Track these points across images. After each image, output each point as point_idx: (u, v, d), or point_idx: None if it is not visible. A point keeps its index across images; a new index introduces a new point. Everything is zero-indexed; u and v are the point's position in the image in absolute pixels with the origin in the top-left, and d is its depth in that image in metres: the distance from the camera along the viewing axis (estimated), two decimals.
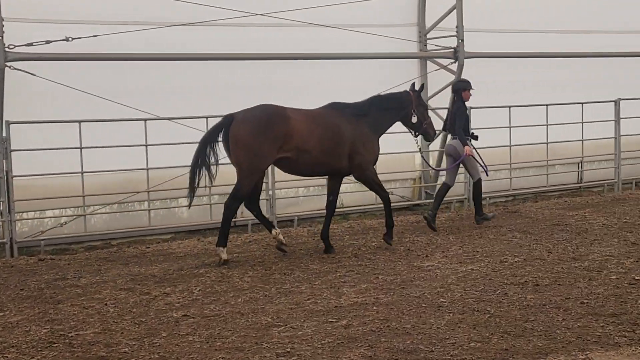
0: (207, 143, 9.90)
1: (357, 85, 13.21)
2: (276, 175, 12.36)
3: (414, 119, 10.98)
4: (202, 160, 9.85)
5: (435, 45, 14.28)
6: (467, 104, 12.26)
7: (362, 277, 9.06)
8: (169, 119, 12.05)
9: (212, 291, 8.55)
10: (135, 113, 11.79)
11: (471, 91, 12.15)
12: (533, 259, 9.66)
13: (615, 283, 8.36)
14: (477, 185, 12.22)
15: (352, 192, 13.39)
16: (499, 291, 8.17)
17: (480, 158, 12.12)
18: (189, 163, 9.93)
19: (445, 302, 7.84)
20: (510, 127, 14.47)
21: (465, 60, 13.92)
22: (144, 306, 8.00)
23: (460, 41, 13.88)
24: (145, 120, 11.68)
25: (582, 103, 15.19)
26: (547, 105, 14.78)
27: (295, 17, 12.81)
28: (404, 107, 10.94)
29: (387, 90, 11.80)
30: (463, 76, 13.43)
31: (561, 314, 7.31)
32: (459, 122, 11.89)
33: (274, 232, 10.51)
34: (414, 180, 14.81)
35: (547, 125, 14.85)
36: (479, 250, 10.32)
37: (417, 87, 11.17)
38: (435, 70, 14.45)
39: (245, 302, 8.04)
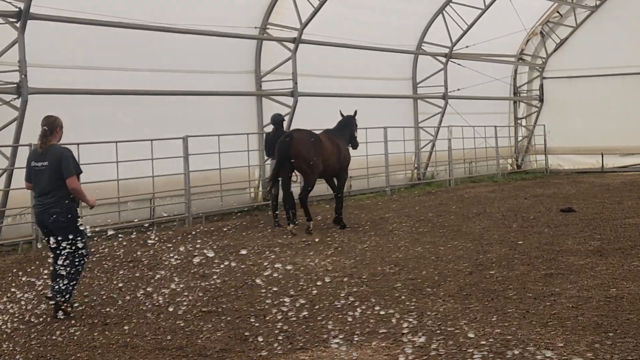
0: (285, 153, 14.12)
1: None
2: None
3: (355, 134, 16.05)
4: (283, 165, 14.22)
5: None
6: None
7: None
8: None
9: None
10: None
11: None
12: (104, 298, 9.46)
13: (183, 316, 8.49)
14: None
15: None
16: (65, 334, 7.83)
17: None
18: None
19: (5, 350, 7.30)
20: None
21: (30, 96, 13.37)
22: None
23: (23, 76, 13.29)
24: None
25: (152, 140, 15.42)
26: (116, 142, 14.75)
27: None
28: (351, 126, 15.88)
29: None
30: (28, 112, 13.05)
31: (128, 352, 7.20)
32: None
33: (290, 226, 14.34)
34: None
35: (117, 163, 14.80)
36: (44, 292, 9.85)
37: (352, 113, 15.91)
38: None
39: None
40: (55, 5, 13.69)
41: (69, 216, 8.61)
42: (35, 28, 13.53)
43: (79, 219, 8.72)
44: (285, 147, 14.12)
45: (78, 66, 14.93)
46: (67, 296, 8.57)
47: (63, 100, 14.57)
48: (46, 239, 8.87)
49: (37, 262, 12.05)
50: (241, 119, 18.53)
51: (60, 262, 8.47)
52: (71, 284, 8.60)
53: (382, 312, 8.33)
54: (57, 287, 8.47)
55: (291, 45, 18.74)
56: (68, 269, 8.52)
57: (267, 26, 18.63)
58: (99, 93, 15.17)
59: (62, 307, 8.47)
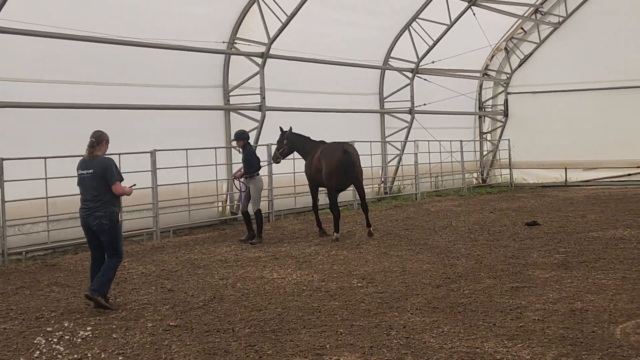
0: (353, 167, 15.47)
1: None
2: None
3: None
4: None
5: None
6: None
7: None
8: None
9: None
10: None
11: None
12: (70, 313, 9.41)
13: (151, 331, 8.48)
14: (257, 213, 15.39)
15: None
16: (32, 349, 7.79)
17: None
18: None
19: None
20: (46, 179, 14.05)
21: None
22: None
23: None
24: None
25: (120, 154, 15.32)
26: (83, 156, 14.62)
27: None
28: None
29: None
30: None
31: None
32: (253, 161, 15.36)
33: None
34: None
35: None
36: (13, 307, 9.80)
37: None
38: None
39: None
40: (17, 18, 13.54)
41: (111, 220, 9.62)
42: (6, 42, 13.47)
43: (118, 223, 9.81)
44: (352, 162, 15.32)
45: (44, 80, 14.81)
46: (104, 292, 9.53)
47: (28, 114, 14.50)
48: (88, 240, 9.88)
49: (2, 277, 11.97)
50: (209, 133, 18.51)
51: (99, 262, 9.74)
52: (107, 282, 9.59)
53: (350, 326, 8.39)
54: (95, 285, 9.47)
55: (259, 60, 18.79)
56: (106, 268, 9.61)
57: (236, 41, 18.67)
58: (66, 107, 15.04)
59: (100, 302, 9.41)
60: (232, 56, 18.89)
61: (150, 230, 16.14)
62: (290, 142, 16.57)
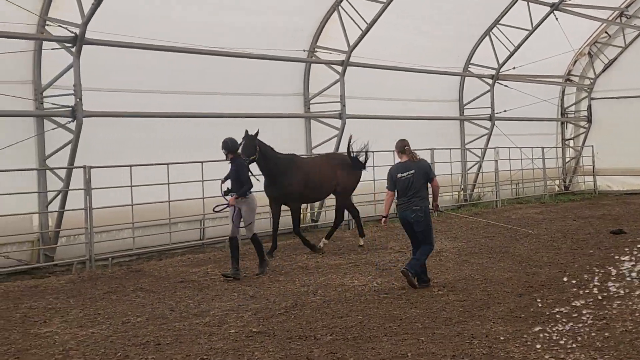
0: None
1: None
2: None
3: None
4: None
5: (53, 103, 13.83)
6: None
7: None
8: None
9: None
10: None
11: None
12: (155, 318, 9.62)
13: (234, 337, 8.60)
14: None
15: None
16: (120, 353, 8.00)
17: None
18: None
19: None
20: (131, 186, 14.42)
21: (85, 118, 13.67)
22: None
23: (78, 100, 13.60)
24: None
25: (202, 162, 15.60)
26: (167, 164, 14.98)
27: None
28: None
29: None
30: (82, 135, 13.39)
31: None
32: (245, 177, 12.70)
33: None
34: (32, 243, 14.10)
35: (168, 184, 15.03)
36: (100, 312, 10.06)
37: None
38: (53, 129, 13.98)
39: None
40: (109, 30, 13.97)
41: (426, 212, 11.17)
42: (90, 53, 13.85)
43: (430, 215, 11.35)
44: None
45: (131, 89, 15.18)
46: (413, 271, 11.01)
47: (117, 123, 14.90)
48: (407, 230, 11.46)
49: (90, 282, 12.32)
50: (290, 141, 18.66)
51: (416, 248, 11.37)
52: (419, 264, 11.14)
53: (432, 334, 8.36)
54: (410, 266, 11.08)
55: (339, 68, 18.89)
56: (419, 253, 11.22)
57: (316, 49, 18.82)
58: (151, 116, 15.39)
59: (412, 281, 10.99)
60: (312, 65, 19.03)
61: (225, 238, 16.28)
62: (262, 152, 14.16)
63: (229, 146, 12.69)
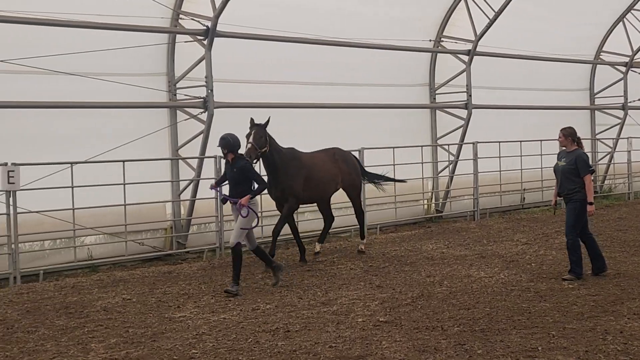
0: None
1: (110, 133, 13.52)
2: (20, 228, 11.86)
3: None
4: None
5: (185, 95, 14.26)
6: None
7: (111, 331, 8.75)
8: None
9: None
10: None
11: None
12: (284, 306, 9.81)
13: (362, 326, 8.67)
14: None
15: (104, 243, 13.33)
16: (250, 339, 8.20)
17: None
18: None
19: (197, 353, 7.74)
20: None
21: (215, 109, 14.05)
22: None
23: (209, 91, 13.98)
24: None
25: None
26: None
27: (38, 64, 12.27)
28: None
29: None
30: (213, 125, 13.74)
31: (311, 358, 7.46)
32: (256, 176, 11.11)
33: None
34: (165, 230, 14.60)
35: None
36: (231, 298, 10.32)
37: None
38: (185, 119, 14.42)
39: None
40: (239, 23, 14.27)
41: (582, 204, 11.02)
42: (221, 45, 14.22)
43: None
44: None
45: (258, 81, 15.49)
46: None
47: (246, 114, 15.19)
48: None
49: (220, 269, 12.66)
50: (414, 131, 18.62)
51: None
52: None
53: (563, 329, 8.20)
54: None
55: (465, 58, 18.67)
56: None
57: (442, 39, 18.67)
58: (278, 106, 15.60)
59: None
60: (438, 54, 18.90)
61: (355, 227, 16.37)
62: (270, 144, 12.61)
63: (230, 144, 10.88)
